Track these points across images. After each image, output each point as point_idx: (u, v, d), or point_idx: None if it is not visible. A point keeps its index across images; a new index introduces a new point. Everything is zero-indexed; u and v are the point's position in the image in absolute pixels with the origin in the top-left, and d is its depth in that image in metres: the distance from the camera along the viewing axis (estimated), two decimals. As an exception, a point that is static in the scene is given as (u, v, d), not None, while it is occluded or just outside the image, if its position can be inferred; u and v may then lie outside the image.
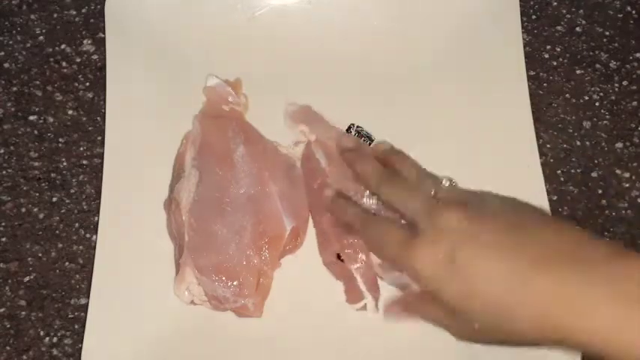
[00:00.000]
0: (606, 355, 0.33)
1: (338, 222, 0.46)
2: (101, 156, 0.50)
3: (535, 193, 0.49)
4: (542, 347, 0.37)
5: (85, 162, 0.52)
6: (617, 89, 0.55)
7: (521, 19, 0.55)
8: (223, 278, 0.45)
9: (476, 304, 0.36)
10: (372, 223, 0.43)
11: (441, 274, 0.37)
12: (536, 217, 0.39)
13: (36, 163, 0.52)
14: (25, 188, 0.51)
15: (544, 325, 0.34)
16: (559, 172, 0.52)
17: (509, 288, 0.35)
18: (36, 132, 0.53)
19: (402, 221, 0.41)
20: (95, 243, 0.48)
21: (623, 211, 0.51)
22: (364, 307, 0.46)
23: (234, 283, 0.45)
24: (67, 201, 0.51)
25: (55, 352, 0.46)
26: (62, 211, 0.50)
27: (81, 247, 0.49)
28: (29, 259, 0.49)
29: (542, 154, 0.52)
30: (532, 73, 0.55)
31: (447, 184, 0.42)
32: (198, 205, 0.47)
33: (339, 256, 0.46)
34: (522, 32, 0.54)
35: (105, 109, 0.51)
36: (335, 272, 0.47)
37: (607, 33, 0.57)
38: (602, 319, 0.32)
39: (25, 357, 0.46)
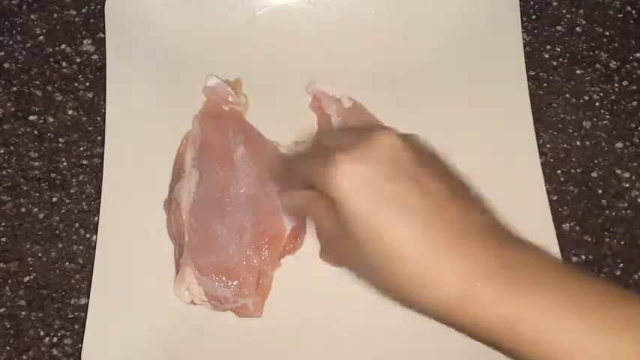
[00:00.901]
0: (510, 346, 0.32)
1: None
2: (101, 156, 0.50)
3: (535, 193, 0.49)
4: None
5: (85, 162, 0.52)
6: (617, 89, 0.55)
7: (521, 19, 0.55)
8: (223, 278, 0.45)
9: (383, 249, 0.33)
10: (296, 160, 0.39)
11: (362, 195, 0.33)
12: (448, 179, 0.36)
13: (36, 163, 0.52)
14: (25, 188, 0.51)
15: (441, 307, 0.33)
16: (559, 172, 0.52)
17: (423, 256, 0.32)
18: (36, 132, 0.53)
19: None
20: (95, 243, 0.48)
21: (623, 211, 0.51)
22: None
23: (234, 283, 0.45)
24: (67, 201, 0.51)
25: (55, 352, 0.46)
26: (62, 211, 0.50)
27: (81, 247, 0.49)
28: (29, 259, 0.49)
29: (542, 154, 0.52)
30: (532, 73, 0.55)
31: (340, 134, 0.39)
32: (199, 205, 0.47)
33: None
34: (522, 32, 0.54)
35: (105, 109, 0.51)
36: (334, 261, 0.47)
37: (607, 33, 0.57)
38: (504, 310, 0.31)
39: (25, 357, 0.46)
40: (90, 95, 0.54)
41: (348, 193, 0.33)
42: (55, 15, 0.57)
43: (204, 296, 0.45)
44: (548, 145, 0.53)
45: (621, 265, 0.50)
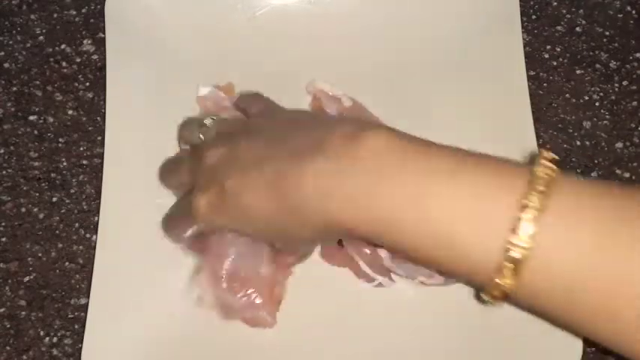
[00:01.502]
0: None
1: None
2: (101, 156, 0.50)
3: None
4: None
5: (85, 162, 0.52)
6: (617, 89, 0.55)
7: (521, 19, 0.55)
8: (236, 286, 0.44)
9: (249, 229, 0.38)
10: (172, 210, 0.45)
11: (219, 209, 0.38)
12: (295, 122, 0.39)
13: (36, 163, 0.52)
14: (25, 188, 0.51)
15: (316, 228, 0.35)
16: (559, 172, 0.52)
17: (269, 195, 0.35)
18: (36, 132, 0.53)
19: None
20: (95, 243, 0.48)
21: (623, 211, 0.51)
22: (380, 284, 0.46)
23: (247, 291, 0.44)
24: (67, 201, 0.51)
25: (55, 352, 0.46)
26: (62, 211, 0.50)
27: (81, 247, 0.49)
28: (29, 259, 0.49)
29: (542, 154, 0.52)
30: (532, 73, 0.55)
31: (209, 121, 0.43)
32: None
33: (339, 242, 0.46)
34: (522, 32, 0.54)
35: (105, 109, 0.51)
36: (337, 261, 0.47)
37: (607, 33, 0.57)
38: (347, 199, 0.33)
39: (25, 357, 0.46)
40: (90, 95, 0.54)
41: (215, 216, 0.39)
42: (55, 15, 0.57)
43: (214, 303, 0.45)
44: (548, 145, 0.53)
45: (621, 265, 0.50)
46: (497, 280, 0.32)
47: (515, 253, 0.31)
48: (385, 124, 0.35)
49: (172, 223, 0.45)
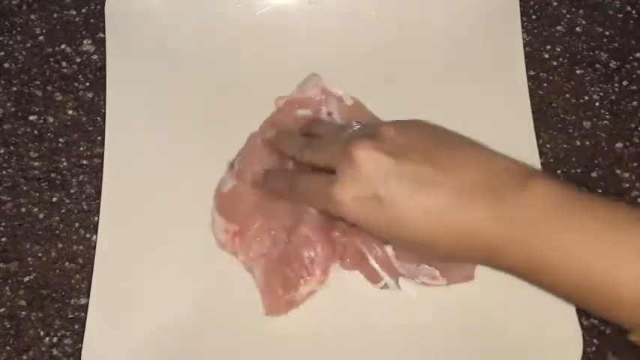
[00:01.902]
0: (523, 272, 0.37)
1: (273, 193, 0.47)
2: (101, 156, 0.50)
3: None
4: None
5: (85, 162, 0.52)
6: (617, 89, 0.55)
7: (521, 19, 0.55)
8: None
9: (403, 232, 0.38)
10: (296, 177, 0.44)
11: (367, 208, 0.38)
12: (452, 145, 0.40)
13: (36, 163, 0.52)
14: (25, 188, 0.51)
15: (461, 255, 0.38)
16: (559, 172, 0.52)
17: (432, 220, 0.37)
18: (36, 132, 0.53)
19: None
20: (95, 243, 0.48)
21: (623, 211, 0.51)
22: (385, 286, 0.46)
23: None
24: (67, 201, 0.51)
25: (55, 352, 0.46)
26: (62, 211, 0.50)
27: (81, 247, 0.49)
28: (29, 259, 0.49)
29: (542, 154, 0.52)
30: (532, 73, 0.55)
31: (358, 125, 0.43)
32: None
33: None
34: (522, 32, 0.54)
35: (105, 109, 0.51)
36: (347, 264, 0.47)
37: (607, 33, 0.57)
38: (512, 244, 0.36)
39: (25, 357, 0.46)
40: (90, 95, 0.54)
41: (365, 214, 0.39)
42: (55, 15, 0.57)
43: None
44: (548, 145, 0.53)
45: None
46: None
47: None
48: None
49: (299, 187, 0.43)
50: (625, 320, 0.35)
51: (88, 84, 0.54)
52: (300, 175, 0.43)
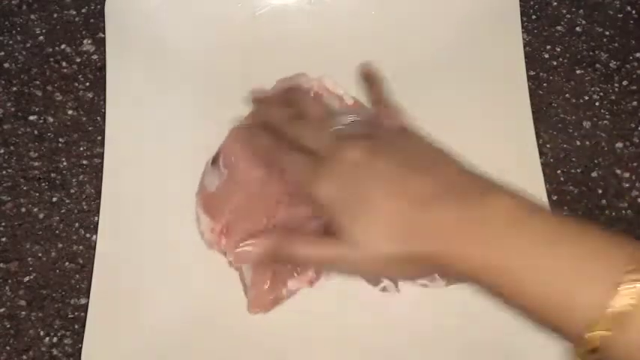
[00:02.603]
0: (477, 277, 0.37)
1: (256, 153, 0.47)
2: (101, 156, 0.50)
3: (535, 193, 0.49)
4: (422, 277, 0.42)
5: (85, 162, 0.52)
6: (617, 89, 0.55)
7: (521, 19, 0.55)
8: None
9: (372, 231, 0.38)
10: (285, 151, 0.44)
11: (339, 205, 0.38)
12: (428, 156, 0.41)
13: (36, 163, 0.52)
14: (25, 188, 0.51)
15: (424, 257, 0.37)
16: (559, 172, 0.52)
17: (397, 221, 0.37)
18: (36, 132, 0.53)
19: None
20: (95, 243, 0.48)
21: (623, 211, 0.51)
22: (385, 289, 0.46)
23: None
24: (67, 201, 0.51)
25: (55, 352, 0.46)
26: (62, 211, 0.50)
27: (81, 247, 0.49)
28: (29, 259, 0.49)
29: (542, 154, 0.52)
30: (532, 73, 0.55)
31: (351, 119, 0.44)
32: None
33: None
34: (522, 32, 0.54)
35: (105, 109, 0.51)
36: None
37: (607, 33, 0.57)
38: (473, 245, 0.36)
39: (25, 357, 0.46)
40: (90, 95, 0.54)
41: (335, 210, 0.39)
42: (55, 15, 0.57)
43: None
44: (548, 145, 0.53)
45: (621, 265, 0.49)
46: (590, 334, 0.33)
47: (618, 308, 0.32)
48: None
49: (290, 164, 0.43)
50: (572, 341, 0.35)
51: (88, 84, 0.54)
52: (290, 150, 0.44)
